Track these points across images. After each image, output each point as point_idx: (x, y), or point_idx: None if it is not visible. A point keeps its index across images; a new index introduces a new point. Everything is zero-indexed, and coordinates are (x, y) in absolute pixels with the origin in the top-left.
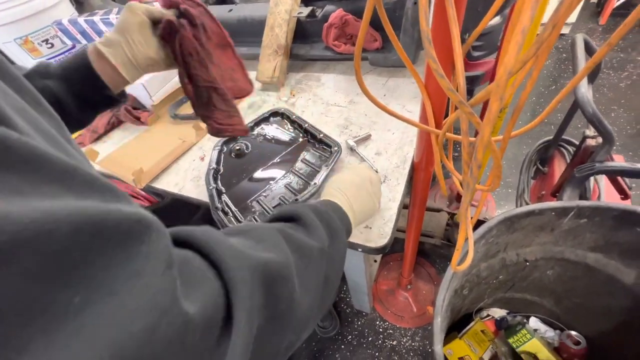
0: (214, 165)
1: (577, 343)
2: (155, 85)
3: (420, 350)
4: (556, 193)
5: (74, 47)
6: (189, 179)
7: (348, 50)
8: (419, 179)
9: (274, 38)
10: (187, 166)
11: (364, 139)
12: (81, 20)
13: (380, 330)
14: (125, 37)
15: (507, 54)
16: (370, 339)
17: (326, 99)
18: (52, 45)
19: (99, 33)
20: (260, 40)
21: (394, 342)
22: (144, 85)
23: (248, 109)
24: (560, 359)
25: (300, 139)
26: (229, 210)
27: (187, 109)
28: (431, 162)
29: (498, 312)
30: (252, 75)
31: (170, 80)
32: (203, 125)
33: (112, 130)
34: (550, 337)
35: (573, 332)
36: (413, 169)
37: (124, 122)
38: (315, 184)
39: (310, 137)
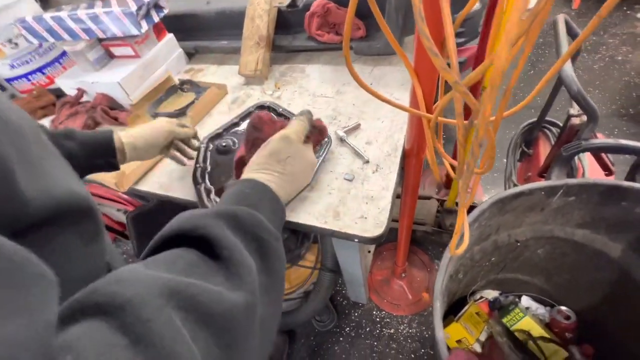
0: (200, 164)
1: (568, 318)
2: (133, 84)
3: (417, 336)
4: (543, 173)
5: (40, 46)
6: (174, 180)
7: (331, 39)
8: (411, 165)
9: (255, 29)
10: (172, 166)
11: (354, 128)
12: (47, 17)
13: (378, 319)
14: (147, 146)
15: (508, 21)
16: (368, 329)
17: (312, 91)
18: (17, 44)
19: (68, 30)
20: (241, 33)
21: (392, 331)
22: (121, 84)
23: (232, 104)
24: (552, 334)
25: None
26: None
27: (168, 107)
28: (422, 148)
29: (491, 294)
30: (234, 69)
31: (148, 78)
32: (186, 122)
33: None
34: (541, 314)
35: (563, 308)
36: (404, 157)
37: (101, 123)
38: None
39: None
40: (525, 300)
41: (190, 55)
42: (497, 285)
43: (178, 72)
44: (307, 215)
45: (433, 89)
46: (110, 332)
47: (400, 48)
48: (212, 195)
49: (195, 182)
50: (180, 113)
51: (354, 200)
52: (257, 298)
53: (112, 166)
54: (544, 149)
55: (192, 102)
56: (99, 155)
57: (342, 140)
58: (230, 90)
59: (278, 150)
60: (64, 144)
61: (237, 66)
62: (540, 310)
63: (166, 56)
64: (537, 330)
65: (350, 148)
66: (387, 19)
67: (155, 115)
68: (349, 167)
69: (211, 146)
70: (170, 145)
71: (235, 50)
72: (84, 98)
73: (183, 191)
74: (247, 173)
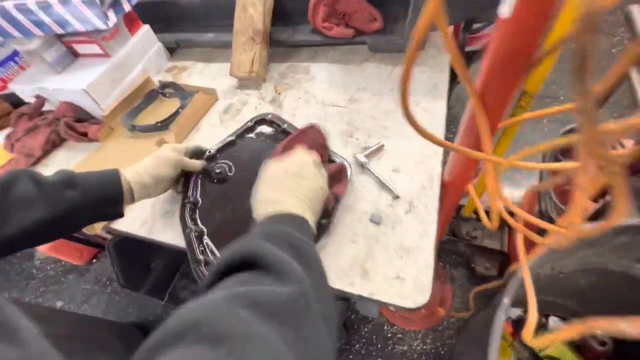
0: (189, 197)
1: (603, 344)
2: (103, 90)
3: (432, 353)
4: (598, 199)
5: None
6: (158, 216)
7: (341, 33)
8: (448, 198)
9: (249, 21)
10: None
11: (376, 150)
12: None
13: (389, 335)
14: (157, 183)
15: None
16: (379, 345)
17: (320, 97)
18: None
19: (16, 24)
20: (231, 23)
21: (405, 347)
22: (88, 92)
23: (224, 114)
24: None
25: None
26: (213, 261)
27: (148, 117)
28: (467, 181)
29: (514, 312)
30: (224, 67)
31: (121, 81)
32: (170, 139)
33: (54, 150)
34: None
35: (599, 332)
36: (442, 188)
37: (67, 140)
38: (321, 216)
39: None
40: (553, 321)
41: (172, 50)
42: (521, 303)
43: (158, 72)
44: (329, 272)
45: (500, 121)
46: (195, 345)
47: (466, 71)
48: (205, 239)
49: (184, 224)
50: (163, 126)
51: (384, 251)
52: (308, 285)
53: (118, 215)
54: None
55: (177, 112)
56: (106, 203)
57: (363, 166)
58: (220, 95)
59: (300, 173)
60: (65, 195)
61: (228, 64)
62: None
63: (142, 53)
64: (569, 356)
65: (374, 177)
66: (412, 10)
67: (133, 129)
68: (374, 205)
69: (201, 174)
70: (180, 177)
71: (224, 45)
72: (46, 107)
73: (170, 232)
74: (266, 201)
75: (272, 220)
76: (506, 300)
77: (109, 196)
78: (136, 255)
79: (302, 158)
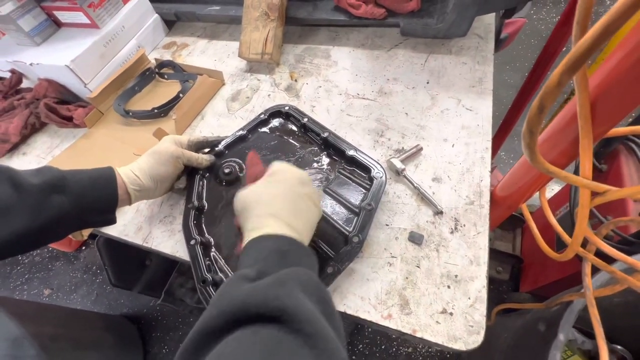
0: (193, 202)
1: (622, 359)
2: (90, 67)
3: (438, 356)
4: None
5: None
6: (156, 220)
7: (371, 12)
8: (494, 214)
9: None
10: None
11: (413, 155)
12: None
13: (394, 336)
14: (156, 185)
15: None
16: (383, 347)
17: (344, 87)
18: None
19: None
20: None
21: (409, 349)
22: (72, 69)
23: (232, 102)
24: None
25: (320, 156)
26: (222, 280)
27: (141, 102)
28: (525, 198)
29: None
30: (231, 46)
31: (112, 58)
32: (169, 128)
33: (33, 135)
34: (587, 349)
35: (618, 347)
36: (490, 202)
37: (47, 124)
38: (353, 232)
39: (335, 153)
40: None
41: (170, 23)
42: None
43: (154, 47)
44: (360, 300)
45: (597, 138)
46: None
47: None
48: (213, 252)
49: (187, 235)
50: (161, 112)
51: (427, 278)
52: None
53: (110, 222)
54: (627, 169)
55: (177, 97)
56: (98, 210)
57: (398, 173)
58: (227, 78)
59: (296, 195)
60: (52, 202)
61: (235, 42)
62: (588, 345)
63: (137, 25)
64: None
65: (412, 187)
66: None
67: (126, 114)
68: (413, 220)
69: (209, 173)
70: (182, 173)
71: (231, 20)
72: (24, 84)
73: (170, 242)
74: (262, 222)
75: (286, 249)
76: (562, 337)
77: (102, 202)
78: (129, 251)
79: (306, 176)
